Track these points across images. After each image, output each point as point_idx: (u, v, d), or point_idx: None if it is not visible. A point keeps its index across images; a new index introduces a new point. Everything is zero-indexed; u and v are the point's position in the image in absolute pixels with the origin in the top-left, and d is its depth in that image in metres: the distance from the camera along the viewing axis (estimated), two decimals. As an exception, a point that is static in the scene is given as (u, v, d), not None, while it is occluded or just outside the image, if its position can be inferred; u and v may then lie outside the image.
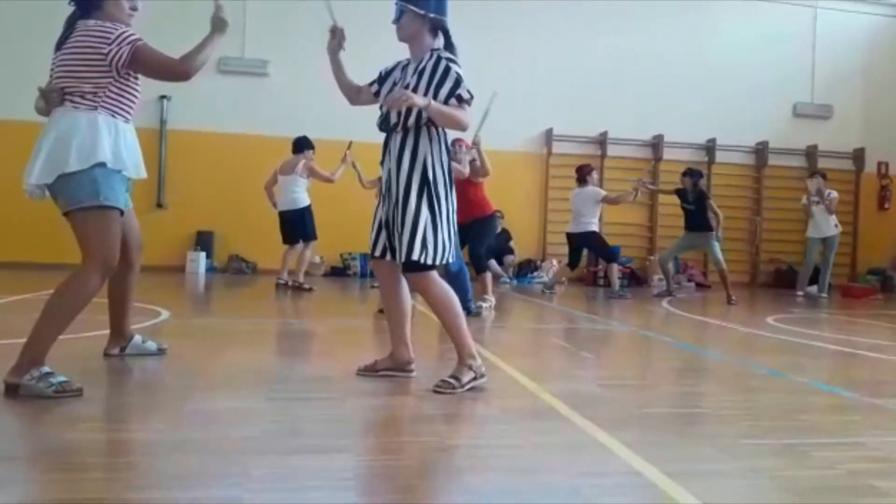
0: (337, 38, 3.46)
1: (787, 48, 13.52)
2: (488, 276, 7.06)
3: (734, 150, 13.36)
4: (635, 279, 12.42)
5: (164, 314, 5.65)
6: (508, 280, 11.85)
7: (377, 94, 3.43)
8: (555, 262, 12.28)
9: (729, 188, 13.34)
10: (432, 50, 3.25)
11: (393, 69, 3.43)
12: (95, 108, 3.07)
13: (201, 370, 3.59)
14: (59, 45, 3.15)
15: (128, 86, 3.19)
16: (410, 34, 3.27)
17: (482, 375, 3.26)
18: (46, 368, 2.90)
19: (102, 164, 3.02)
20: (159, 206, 11.54)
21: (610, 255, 9.53)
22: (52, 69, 3.15)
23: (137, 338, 3.82)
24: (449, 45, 3.31)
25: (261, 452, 2.26)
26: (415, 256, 3.14)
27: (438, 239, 3.19)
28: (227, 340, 4.66)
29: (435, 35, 3.28)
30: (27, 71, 10.68)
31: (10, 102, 10.74)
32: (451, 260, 3.32)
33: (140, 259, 3.69)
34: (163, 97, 11.32)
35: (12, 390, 2.85)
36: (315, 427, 2.63)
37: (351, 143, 8.57)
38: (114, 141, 3.10)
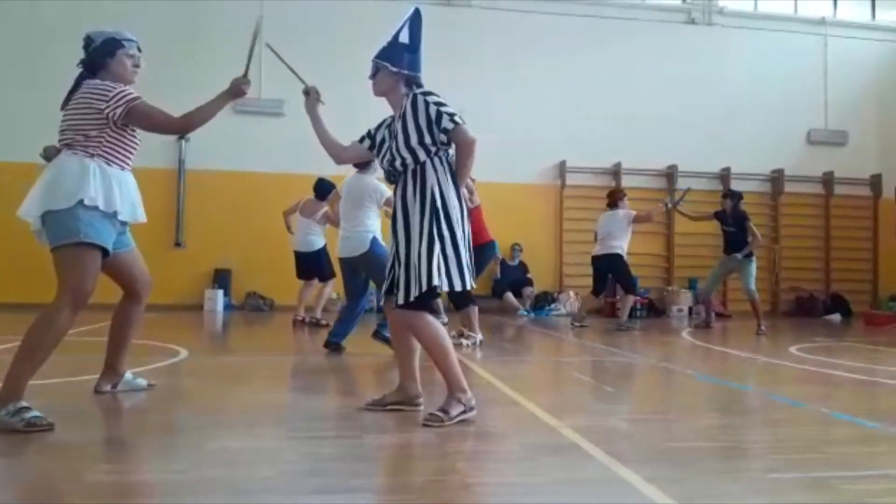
0: (311, 96, 3.66)
1: (798, 76, 13.57)
2: (473, 310, 6.76)
3: (749, 179, 13.33)
4: (653, 310, 12.34)
5: (183, 353, 5.67)
6: (526, 313, 11.81)
7: (371, 148, 3.56)
8: (572, 293, 12.24)
9: (745, 216, 13.28)
10: (406, 94, 3.36)
11: (380, 126, 3.55)
12: (91, 156, 3.25)
13: (220, 409, 3.59)
14: (65, 104, 3.36)
15: (125, 137, 3.36)
16: (385, 89, 3.39)
17: (472, 409, 3.30)
18: (23, 403, 2.99)
19: (89, 205, 3.16)
20: (178, 245, 11.67)
21: (630, 285, 9.24)
22: (60, 125, 3.34)
23: (128, 374, 3.89)
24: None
25: (280, 492, 2.25)
26: (435, 281, 3.15)
27: (451, 265, 3.22)
28: (246, 378, 4.67)
29: (409, 88, 3.38)
30: (26, 114, 10.98)
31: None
32: (472, 286, 3.35)
33: (147, 293, 3.75)
34: (181, 138, 11.50)
35: None
36: (334, 466, 2.61)
37: None
38: (106, 185, 3.25)
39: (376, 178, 5.67)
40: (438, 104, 3.27)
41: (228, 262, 11.72)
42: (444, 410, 3.23)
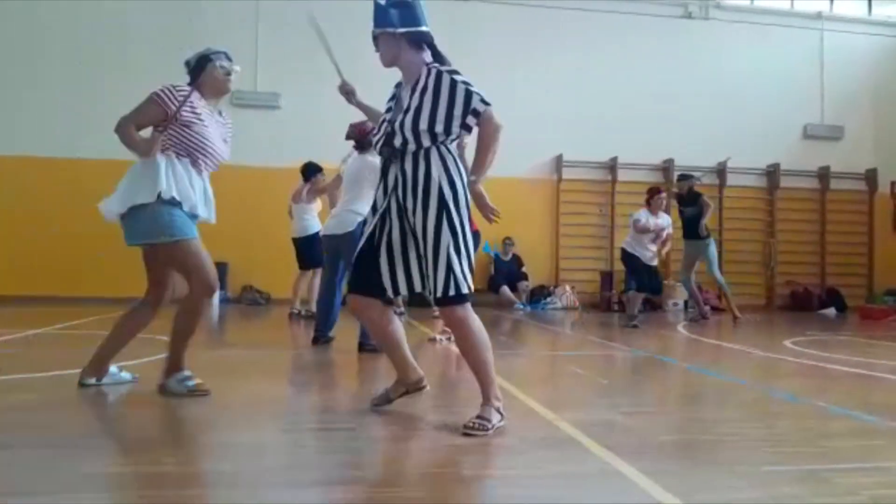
0: (348, 92, 3.79)
1: (795, 70, 13.59)
2: None
3: (746, 173, 13.35)
4: (650, 304, 12.35)
5: (180, 346, 5.66)
6: (522, 306, 11.82)
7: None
8: (568, 287, 12.27)
9: (741, 210, 13.31)
10: (427, 65, 3.04)
11: (395, 94, 3.22)
12: (166, 150, 3.57)
13: (216, 403, 3.59)
14: None
15: (187, 133, 3.58)
16: (391, 58, 3.08)
17: (504, 417, 3.07)
18: (186, 373, 3.64)
19: (166, 198, 3.46)
20: (174, 238, 11.64)
21: (633, 280, 9.02)
22: None
23: (113, 367, 3.89)
24: (437, 56, 3.10)
25: (277, 485, 2.25)
26: (451, 291, 2.93)
27: (464, 263, 2.98)
28: (242, 372, 4.66)
29: (419, 49, 3.06)
30: (25, 107, 10.94)
31: (28, 137, 10.98)
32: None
33: (164, 300, 3.87)
34: (177, 131, 11.48)
35: (161, 389, 3.63)
36: (331, 458, 2.62)
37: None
38: (177, 178, 3.54)
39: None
40: (466, 83, 2.96)
41: (225, 256, 11.68)
42: (485, 419, 2.96)
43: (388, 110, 3.16)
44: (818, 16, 13.87)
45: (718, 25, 13.44)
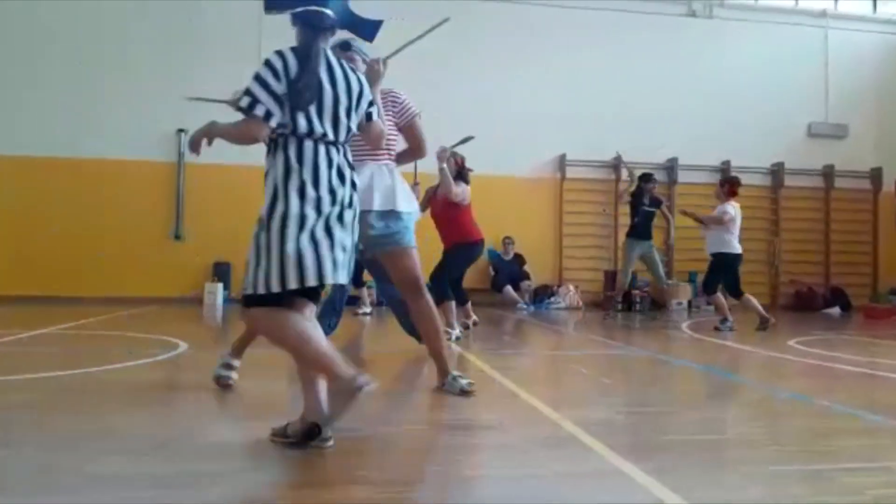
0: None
1: (799, 68, 13.55)
2: (451, 305, 6.50)
3: (750, 172, 13.30)
4: (653, 303, 12.34)
5: (183, 346, 5.66)
6: (525, 306, 11.80)
7: None
8: (572, 287, 12.25)
9: (745, 209, 13.22)
10: None
11: None
12: None
13: (218, 401, 3.58)
14: None
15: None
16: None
17: (360, 388, 2.49)
18: (235, 363, 3.94)
19: None
20: (177, 237, 11.65)
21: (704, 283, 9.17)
22: None
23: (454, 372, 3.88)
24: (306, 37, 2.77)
25: (278, 484, 2.24)
26: (248, 290, 2.67)
27: (260, 264, 2.68)
28: (244, 371, 4.65)
29: (312, 33, 2.77)
30: (25, 107, 10.97)
31: (28, 137, 10.99)
32: (295, 284, 2.64)
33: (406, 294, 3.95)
34: (180, 131, 11.48)
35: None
36: (333, 458, 2.60)
37: None
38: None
39: None
40: (255, 78, 2.68)
41: (228, 256, 11.69)
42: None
43: None
44: (822, 14, 13.83)
45: (722, 24, 13.41)
